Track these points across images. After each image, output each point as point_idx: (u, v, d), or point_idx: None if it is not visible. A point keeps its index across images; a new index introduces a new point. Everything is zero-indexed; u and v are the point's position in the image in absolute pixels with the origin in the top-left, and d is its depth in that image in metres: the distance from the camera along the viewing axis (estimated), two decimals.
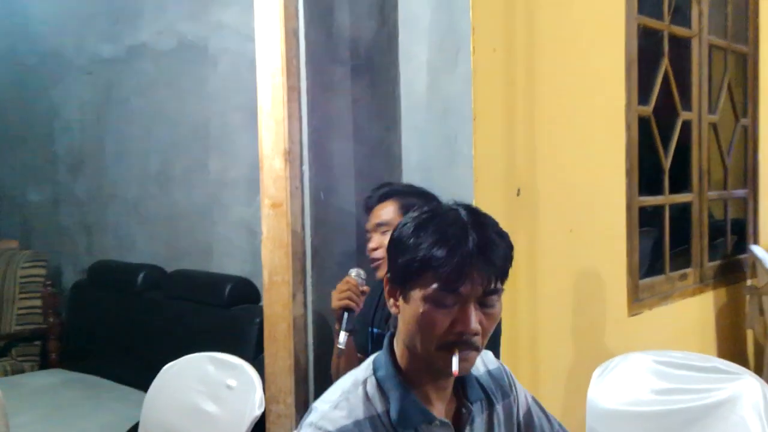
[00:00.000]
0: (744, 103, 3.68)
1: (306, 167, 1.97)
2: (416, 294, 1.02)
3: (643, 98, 2.84)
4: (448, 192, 2.07)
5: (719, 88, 3.49)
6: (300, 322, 1.95)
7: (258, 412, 1.46)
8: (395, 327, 1.10)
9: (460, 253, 0.98)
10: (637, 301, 2.80)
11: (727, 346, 3.50)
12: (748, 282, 3.64)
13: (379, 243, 1.77)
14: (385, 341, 1.11)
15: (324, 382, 1.96)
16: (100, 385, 2.92)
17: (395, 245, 1.06)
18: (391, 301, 1.08)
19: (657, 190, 3.05)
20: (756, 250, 3.51)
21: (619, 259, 2.75)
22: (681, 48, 3.14)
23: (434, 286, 0.99)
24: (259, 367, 2.08)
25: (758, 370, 3.65)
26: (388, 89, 2.10)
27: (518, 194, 2.22)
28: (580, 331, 2.54)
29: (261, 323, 2.27)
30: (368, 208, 1.84)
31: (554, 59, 2.36)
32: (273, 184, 1.95)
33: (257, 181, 2.53)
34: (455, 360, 0.99)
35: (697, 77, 3.22)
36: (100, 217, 3.68)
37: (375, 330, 1.84)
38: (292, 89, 1.90)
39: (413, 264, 1.01)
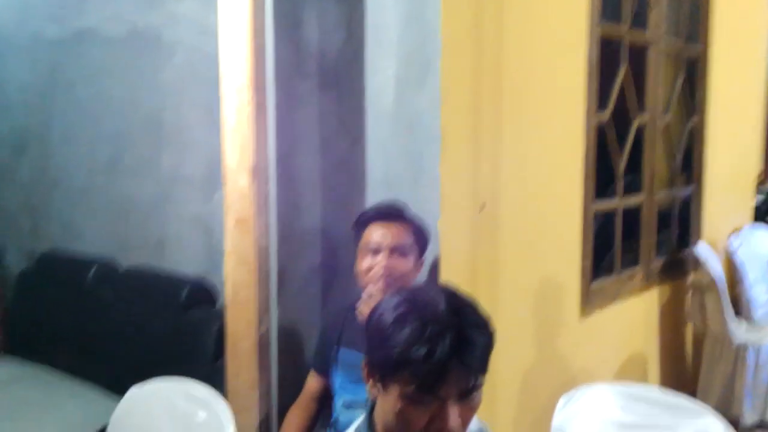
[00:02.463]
0: (693, 103, 3.77)
1: (272, 184, 1.94)
2: (393, 389, 1.00)
3: (601, 104, 2.88)
4: (413, 208, 2.07)
5: (672, 88, 3.56)
6: (264, 339, 1.94)
7: None
8: (374, 400, 1.09)
9: (438, 357, 0.96)
10: (588, 303, 2.88)
11: (669, 339, 3.65)
12: (691, 278, 3.78)
13: (400, 265, 1.75)
14: (365, 417, 1.11)
15: (288, 398, 1.96)
16: (53, 379, 2.84)
17: (372, 334, 1.04)
18: (370, 382, 1.07)
19: (610, 193, 3.12)
20: (700, 248, 3.64)
21: (573, 263, 2.81)
22: (638, 53, 3.18)
23: (411, 385, 0.98)
24: (219, 373, 2.07)
25: (697, 361, 3.84)
26: (354, 103, 2.06)
27: (482, 209, 2.24)
28: (536, 335, 2.61)
29: (219, 329, 2.24)
30: (364, 224, 1.80)
31: (520, 74, 2.37)
32: (238, 200, 1.91)
33: (213, 179, 2.48)
34: None
35: (652, 82, 3.27)
36: (45, 201, 3.54)
37: (341, 349, 1.84)
38: (260, 106, 1.85)
39: (390, 361, 0.99)
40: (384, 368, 1.01)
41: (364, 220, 1.81)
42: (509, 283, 2.42)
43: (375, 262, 1.74)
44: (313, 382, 1.92)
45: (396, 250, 1.75)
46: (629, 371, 3.30)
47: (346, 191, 2.08)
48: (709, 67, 3.80)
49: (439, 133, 2.02)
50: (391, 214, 1.81)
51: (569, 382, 2.82)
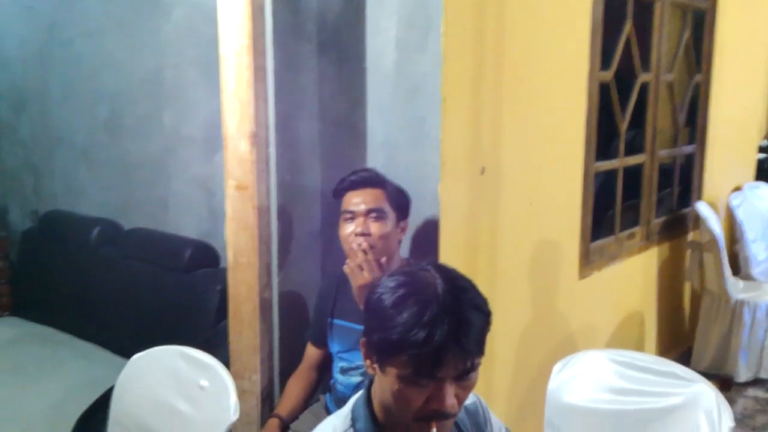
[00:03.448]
0: (698, 60, 3.72)
1: (272, 149, 1.93)
2: (391, 370, 1.02)
3: (605, 63, 2.84)
4: (413, 172, 2.07)
5: (677, 46, 3.51)
6: (266, 304, 1.96)
7: (234, 418, 1.47)
8: (372, 377, 1.11)
9: (436, 340, 0.97)
10: (587, 264, 2.90)
11: (667, 298, 3.69)
12: (690, 236, 3.80)
13: (376, 229, 1.77)
14: (363, 392, 1.13)
15: (290, 361, 2.00)
16: (58, 340, 2.89)
17: (371, 315, 1.05)
18: (368, 362, 1.08)
19: (612, 153, 3.10)
20: (701, 207, 3.64)
21: (573, 224, 2.82)
22: (644, 8, 3.12)
23: (408, 368, 0.99)
24: (222, 335, 2.10)
25: (694, 319, 3.88)
26: (354, 65, 2.04)
27: (482, 173, 2.23)
28: (534, 296, 2.64)
29: (222, 290, 2.27)
30: (344, 191, 1.81)
31: (522, 35, 2.33)
32: (238, 165, 1.91)
33: (214, 139, 2.47)
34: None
35: (657, 38, 3.22)
36: (47, 160, 3.55)
37: (335, 321, 1.87)
38: (259, 69, 1.83)
39: (388, 344, 1.00)
40: (382, 350, 1.02)
41: (341, 189, 1.83)
42: (509, 245, 2.44)
43: (352, 229, 1.77)
44: (311, 352, 1.95)
45: (371, 214, 1.77)
46: (627, 330, 3.34)
47: (347, 155, 2.08)
48: (716, 20, 3.73)
49: (440, 96, 2.00)
50: (365, 180, 1.81)
51: (567, 341, 2.87)
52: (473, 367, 1.02)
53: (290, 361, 2.00)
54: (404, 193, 1.88)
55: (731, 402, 3.55)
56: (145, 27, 2.91)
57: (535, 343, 2.62)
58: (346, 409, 1.14)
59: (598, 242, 3.01)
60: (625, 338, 3.31)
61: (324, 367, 1.94)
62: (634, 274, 3.38)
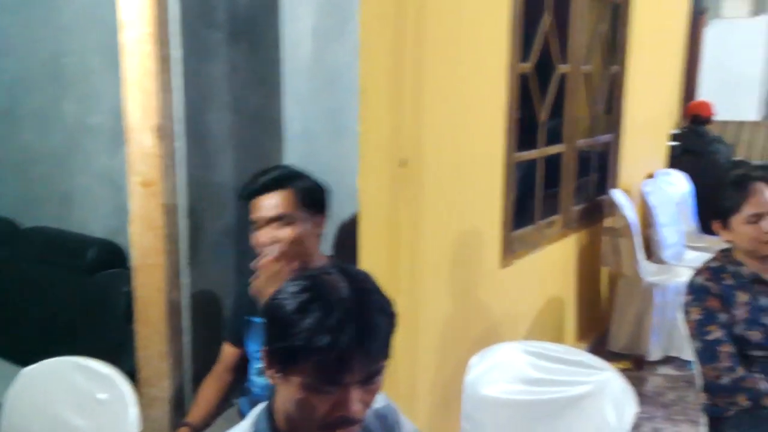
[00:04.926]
0: (614, 51, 3.80)
1: (181, 143, 1.82)
2: (294, 379, 0.97)
3: (524, 54, 2.85)
4: (332, 165, 2.01)
5: (593, 38, 3.56)
6: (175, 306, 1.86)
7: (135, 431, 1.38)
8: (275, 389, 1.06)
9: (342, 345, 0.93)
10: (509, 253, 2.92)
11: (585, 283, 3.78)
12: (607, 222, 3.89)
13: (284, 234, 1.67)
14: (265, 405, 1.08)
15: (204, 365, 1.91)
16: None
17: (272, 323, 1.00)
18: (270, 372, 1.03)
19: (533, 143, 3.13)
20: (616, 194, 3.74)
21: (494, 214, 2.82)
22: (562, 1, 3.15)
23: (312, 375, 0.95)
24: (131, 340, 1.99)
25: (610, 303, 4.00)
26: (269, 54, 1.95)
27: (403, 165, 2.19)
28: (457, 288, 2.63)
29: (129, 292, 2.15)
30: (251, 195, 1.72)
31: (442, 25, 2.29)
32: (143, 161, 1.79)
33: (120, 131, 2.32)
34: None
35: (575, 30, 3.26)
36: None
37: (253, 318, 1.79)
38: (164, 59, 1.72)
39: (292, 351, 0.96)
40: (285, 358, 0.98)
41: (246, 194, 1.73)
42: (431, 237, 2.41)
43: (261, 238, 1.69)
44: (227, 353, 1.87)
45: (277, 221, 1.68)
46: (548, 316, 3.40)
47: (263, 147, 2.00)
48: (631, 12, 3.81)
49: (359, 87, 1.94)
50: (270, 183, 1.71)
51: (490, 331, 2.88)
52: (379, 371, 1.00)
53: (204, 365, 1.91)
54: (318, 187, 1.79)
55: (644, 380, 3.70)
56: (43, 9, 2.70)
57: (458, 335, 2.62)
58: (247, 422, 1.08)
59: (519, 231, 3.03)
60: (546, 324, 3.36)
61: (240, 368, 1.86)
62: (554, 262, 3.43)
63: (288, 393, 0.99)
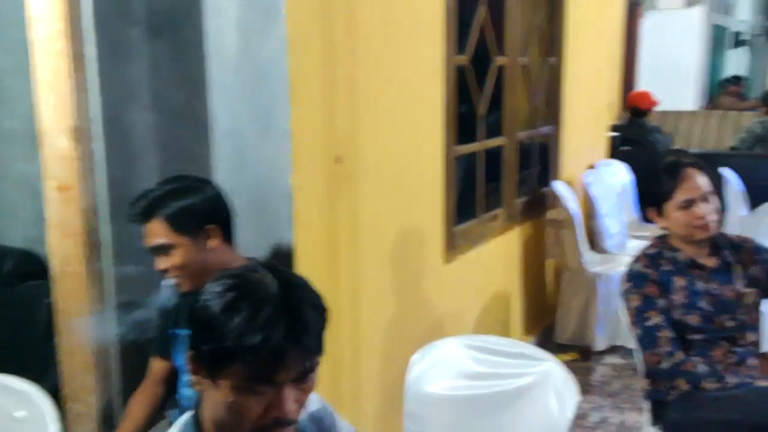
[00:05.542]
0: (551, 44, 3.82)
1: (99, 145, 1.73)
2: (224, 382, 0.92)
3: (461, 47, 2.83)
4: (263, 164, 1.94)
5: (530, 30, 3.57)
6: (100, 315, 1.77)
7: None
8: (201, 395, 1.00)
9: (273, 342, 0.89)
10: (452, 248, 2.90)
11: (530, 275, 3.80)
12: (550, 215, 3.92)
13: (164, 265, 1.63)
14: (191, 413, 1.01)
15: (131, 379, 1.83)
16: None
17: (198, 326, 0.94)
18: (196, 378, 0.97)
19: (472, 137, 3.11)
20: (558, 185, 3.76)
21: (435, 209, 2.80)
22: None
23: (245, 375, 0.91)
24: (52, 355, 1.89)
25: (555, 294, 4.03)
26: (192, 50, 1.87)
27: (338, 162, 2.14)
28: (398, 284, 2.59)
29: (51, 304, 2.04)
30: (135, 222, 1.65)
31: (375, 17, 2.25)
32: (58, 164, 1.70)
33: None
34: None
35: (511, 22, 3.26)
36: None
37: (179, 331, 1.72)
38: (77, 56, 1.63)
39: (221, 353, 0.91)
40: (214, 361, 0.93)
41: (135, 221, 1.66)
42: (370, 235, 2.37)
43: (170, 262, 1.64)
44: (156, 365, 1.79)
45: (157, 251, 1.63)
46: (494, 310, 3.40)
47: (189, 147, 1.91)
48: (566, 5, 3.84)
49: (288, 83, 1.88)
50: (139, 215, 1.63)
51: (436, 327, 2.86)
52: (313, 368, 0.96)
53: (133, 378, 1.82)
54: (192, 205, 1.65)
55: (591, 370, 3.74)
56: None
57: (402, 333, 2.58)
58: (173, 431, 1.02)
59: (462, 226, 3.02)
60: (492, 319, 3.36)
61: (170, 381, 1.79)
62: (498, 255, 3.44)
63: (218, 398, 0.94)
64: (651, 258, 2.09)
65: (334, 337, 2.20)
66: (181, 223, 1.62)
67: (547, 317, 4.02)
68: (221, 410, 0.94)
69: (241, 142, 1.95)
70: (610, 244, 4.13)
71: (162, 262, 1.62)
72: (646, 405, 2.15)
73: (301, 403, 0.96)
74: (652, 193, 2.10)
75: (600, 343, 3.87)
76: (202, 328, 0.94)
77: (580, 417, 3.17)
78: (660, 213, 2.08)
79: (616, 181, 4.49)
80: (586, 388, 3.48)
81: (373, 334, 2.47)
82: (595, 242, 4.09)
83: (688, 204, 2.01)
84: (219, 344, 0.90)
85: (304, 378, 0.94)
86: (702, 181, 2.03)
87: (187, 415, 1.03)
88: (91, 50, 1.68)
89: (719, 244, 2.10)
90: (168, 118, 1.89)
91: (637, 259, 2.12)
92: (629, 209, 4.64)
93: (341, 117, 2.14)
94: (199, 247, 1.65)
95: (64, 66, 1.62)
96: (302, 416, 1.10)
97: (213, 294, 0.93)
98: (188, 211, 1.64)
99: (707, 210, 2.01)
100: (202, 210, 1.66)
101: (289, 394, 0.92)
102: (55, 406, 1.53)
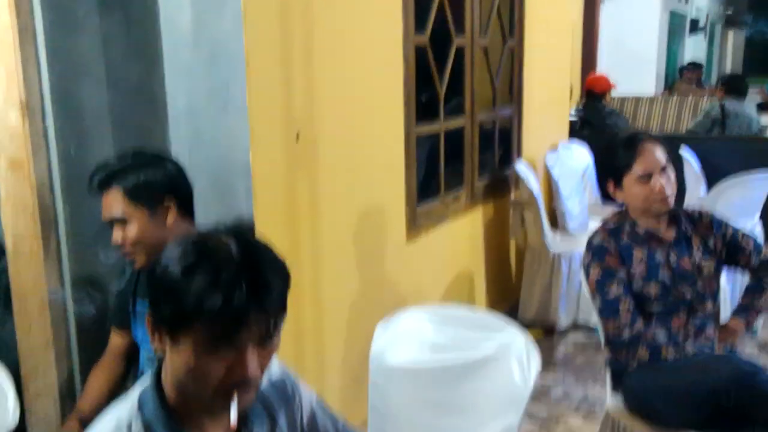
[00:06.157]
0: (511, 25, 3.85)
1: (50, 121, 1.71)
2: (185, 343, 0.92)
3: (419, 26, 2.84)
4: (221, 141, 1.94)
5: (489, 11, 3.60)
6: (56, 294, 1.75)
7: (11, 425, 1.28)
8: (161, 359, 1.00)
9: (235, 303, 0.89)
10: (414, 226, 2.92)
11: (493, 255, 3.84)
12: (512, 196, 3.96)
13: (121, 238, 1.62)
14: (151, 376, 1.01)
15: (90, 356, 1.81)
16: None
17: (157, 287, 0.94)
18: (156, 337, 0.96)
19: (433, 117, 3.13)
20: (519, 166, 3.80)
21: (397, 188, 2.82)
22: None
23: (206, 337, 0.90)
24: (10, 334, 1.86)
25: (519, 274, 4.08)
26: (146, 26, 1.86)
27: (297, 139, 2.14)
28: (361, 262, 2.61)
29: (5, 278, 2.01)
30: (95, 193, 1.65)
31: None
32: (10, 140, 1.67)
33: None
34: (233, 411, 0.93)
35: (470, 2, 3.28)
36: None
37: (138, 301, 1.71)
38: (25, 30, 1.60)
39: (181, 313, 0.90)
40: (174, 322, 0.92)
41: (93, 193, 1.65)
42: (331, 213, 2.38)
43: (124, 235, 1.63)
44: (115, 339, 1.78)
45: (118, 221, 1.62)
46: (457, 289, 3.43)
47: (145, 124, 1.90)
48: None
49: (245, 59, 1.88)
50: (100, 184, 1.63)
51: (399, 306, 2.87)
52: (275, 330, 0.95)
53: (94, 354, 1.81)
54: (151, 178, 1.65)
55: (554, 347, 3.80)
56: None
57: (366, 311, 2.60)
58: (132, 396, 1.01)
59: (424, 205, 3.04)
60: (456, 298, 3.39)
61: (131, 356, 1.78)
62: (462, 235, 3.47)
63: (179, 360, 0.93)
64: (611, 231, 2.13)
65: (297, 313, 2.21)
66: (139, 195, 1.61)
67: (511, 296, 4.07)
68: (182, 373, 0.93)
69: (198, 118, 1.94)
70: (572, 225, 4.19)
71: (118, 235, 1.61)
72: (607, 374, 2.18)
73: (263, 366, 0.96)
74: (611, 167, 2.14)
75: (563, 322, 3.93)
76: (161, 292, 0.93)
77: (543, 392, 3.23)
78: (618, 186, 2.11)
79: (577, 162, 4.56)
80: (549, 364, 3.54)
81: (336, 311, 2.48)
82: (557, 223, 4.15)
83: (646, 177, 2.04)
84: (179, 307, 0.90)
85: (266, 340, 0.94)
86: (659, 154, 2.07)
87: (148, 379, 1.02)
88: (38, 24, 1.66)
89: (678, 216, 2.14)
90: (122, 95, 1.88)
91: (597, 232, 2.16)
92: (590, 190, 4.72)
93: (299, 94, 2.14)
94: (157, 221, 1.64)
95: (12, 40, 1.59)
96: (265, 383, 1.11)
97: (172, 258, 0.93)
98: (147, 183, 1.63)
99: (665, 183, 2.04)
100: (161, 184, 1.66)
101: (252, 356, 0.92)
102: (13, 384, 1.51)
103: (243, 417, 1.03)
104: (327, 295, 2.40)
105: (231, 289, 0.89)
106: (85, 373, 1.80)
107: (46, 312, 1.73)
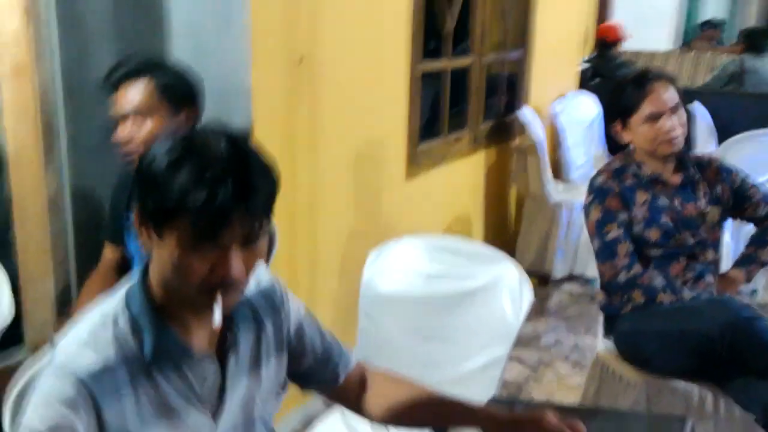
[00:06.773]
0: None
1: (53, 27, 1.70)
2: (170, 237, 0.92)
3: None
4: (222, 62, 1.92)
5: None
6: (56, 202, 1.78)
7: (3, 324, 1.30)
8: (149, 255, 1.01)
9: (219, 200, 0.88)
10: (415, 164, 2.92)
11: (493, 201, 3.85)
12: (516, 141, 3.95)
13: (129, 134, 1.59)
14: (139, 272, 1.02)
15: (87, 262, 1.84)
16: None
17: (143, 180, 0.94)
18: (143, 230, 0.97)
19: (439, 54, 3.10)
20: (525, 112, 3.78)
21: (399, 123, 2.81)
22: None
23: (190, 233, 0.90)
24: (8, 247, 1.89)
25: (518, 221, 4.09)
26: None
27: (300, 62, 2.13)
28: (358, 195, 2.62)
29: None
30: (112, 86, 1.60)
31: None
32: (13, 45, 1.67)
33: None
34: (217, 310, 0.94)
35: None
36: None
37: (131, 213, 1.70)
38: None
39: (165, 207, 0.90)
40: (158, 215, 0.92)
41: (110, 85, 1.61)
42: (331, 142, 2.38)
43: (118, 131, 1.60)
44: (108, 253, 1.79)
45: (134, 116, 1.58)
46: (454, 232, 3.45)
47: (145, 39, 1.88)
48: None
49: None
50: (129, 72, 1.59)
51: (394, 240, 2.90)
52: (260, 232, 0.95)
53: (91, 264, 1.84)
54: (184, 80, 1.65)
55: (548, 296, 3.84)
56: None
57: (360, 243, 2.62)
58: (118, 293, 1.03)
59: (426, 144, 3.03)
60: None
61: (124, 269, 1.80)
62: (462, 178, 3.47)
63: (164, 253, 0.94)
64: (615, 172, 2.07)
65: (291, 242, 2.23)
66: (169, 92, 1.59)
67: (508, 244, 4.09)
68: (167, 269, 0.94)
69: (200, 36, 1.92)
70: (576, 176, 4.18)
71: (126, 131, 1.57)
72: (600, 318, 2.16)
73: (248, 268, 0.96)
74: (619, 106, 2.06)
75: (559, 271, 3.96)
76: (147, 184, 0.93)
77: (534, 339, 3.27)
78: (624, 126, 2.05)
79: (584, 113, 4.51)
80: (542, 313, 3.58)
81: (330, 242, 2.50)
82: (559, 172, 4.14)
83: (655, 117, 1.97)
84: (163, 201, 0.90)
85: (250, 242, 0.94)
86: (670, 94, 2.00)
87: (135, 276, 1.03)
88: None
89: (685, 160, 2.08)
90: (123, 8, 1.85)
91: (600, 173, 2.10)
92: (596, 142, 4.68)
93: (304, 16, 2.12)
94: (172, 125, 1.60)
95: None
96: (253, 290, 1.11)
97: (159, 153, 0.92)
98: (181, 83, 1.62)
99: (674, 124, 1.98)
100: (190, 89, 1.64)
101: (235, 257, 0.92)
102: (10, 287, 1.54)
103: (229, 320, 1.05)
104: (322, 226, 2.42)
105: (216, 186, 0.88)
106: (82, 282, 1.83)
107: (46, 219, 1.76)
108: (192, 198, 0.88)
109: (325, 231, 2.44)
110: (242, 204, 0.90)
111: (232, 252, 0.92)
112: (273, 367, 1.13)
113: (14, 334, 1.82)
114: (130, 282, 1.03)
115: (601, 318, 2.18)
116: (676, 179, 2.07)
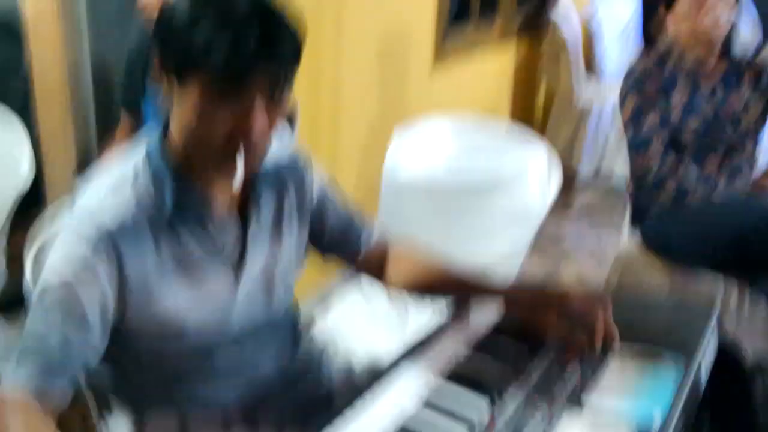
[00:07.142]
0: None
1: None
2: (192, 86, 0.88)
3: None
4: None
5: None
6: (76, 70, 1.73)
7: (23, 184, 1.28)
8: (169, 112, 0.96)
9: (244, 48, 0.85)
10: (442, 52, 2.81)
11: (521, 95, 3.74)
12: (549, 35, 3.78)
13: None
14: (159, 128, 0.98)
15: (108, 129, 1.82)
16: None
17: (164, 28, 0.89)
18: (164, 79, 0.93)
19: None
20: (561, 4, 3.59)
21: (427, 7, 2.68)
22: None
23: (214, 82, 0.87)
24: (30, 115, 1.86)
25: (545, 119, 3.99)
26: None
27: None
28: (384, 82, 2.55)
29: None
30: None
31: None
32: None
33: None
34: (240, 168, 0.91)
35: None
36: None
37: (149, 80, 1.66)
38: None
39: (188, 55, 0.86)
40: (182, 59, 0.88)
41: None
42: (357, 24, 2.29)
43: None
44: (125, 121, 1.76)
45: None
46: None
47: None
48: None
49: None
50: None
51: None
52: (285, 85, 0.91)
53: (111, 130, 1.81)
54: None
55: (574, 194, 3.79)
56: None
57: (383, 131, 2.57)
58: (138, 148, 1.00)
59: (454, 29, 2.90)
60: None
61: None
62: (491, 68, 3.36)
63: (186, 106, 0.90)
64: (658, 56, 1.96)
65: (312, 129, 2.18)
66: None
67: None
68: (190, 120, 0.91)
69: None
70: (609, 71, 4.02)
71: None
72: (627, 210, 2.10)
73: (272, 124, 0.93)
74: None
75: (585, 170, 3.89)
76: (168, 30, 0.89)
77: (558, 236, 3.25)
78: (669, 10, 1.93)
79: (622, 8, 4.30)
80: (567, 210, 3.54)
81: (353, 135, 2.44)
82: (593, 67, 3.99)
83: (700, 5, 1.86)
84: (187, 47, 0.86)
85: (275, 95, 0.90)
86: None
87: (154, 134, 0.99)
88: None
89: (730, 49, 1.97)
90: None
91: (641, 58, 1.98)
92: (633, 41, 4.48)
93: None
94: None
95: None
96: (277, 156, 1.08)
97: (182, 6, 0.88)
98: None
99: (722, 8, 1.87)
100: None
101: (260, 110, 0.89)
102: (31, 148, 1.52)
103: (252, 183, 1.03)
104: (345, 115, 2.35)
105: (240, 35, 0.85)
106: (102, 147, 1.81)
107: (66, 90, 1.72)
108: (217, 43, 0.85)
109: (348, 117, 2.38)
110: (267, 54, 0.87)
111: (255, 107, 0.89)
112: (295, 234, 1.12)
113: (35, 195, 1.80)
114: (149, 137, 1.00)
115: (628, 210, 2.12)
116: (720, 68, 1.97)
